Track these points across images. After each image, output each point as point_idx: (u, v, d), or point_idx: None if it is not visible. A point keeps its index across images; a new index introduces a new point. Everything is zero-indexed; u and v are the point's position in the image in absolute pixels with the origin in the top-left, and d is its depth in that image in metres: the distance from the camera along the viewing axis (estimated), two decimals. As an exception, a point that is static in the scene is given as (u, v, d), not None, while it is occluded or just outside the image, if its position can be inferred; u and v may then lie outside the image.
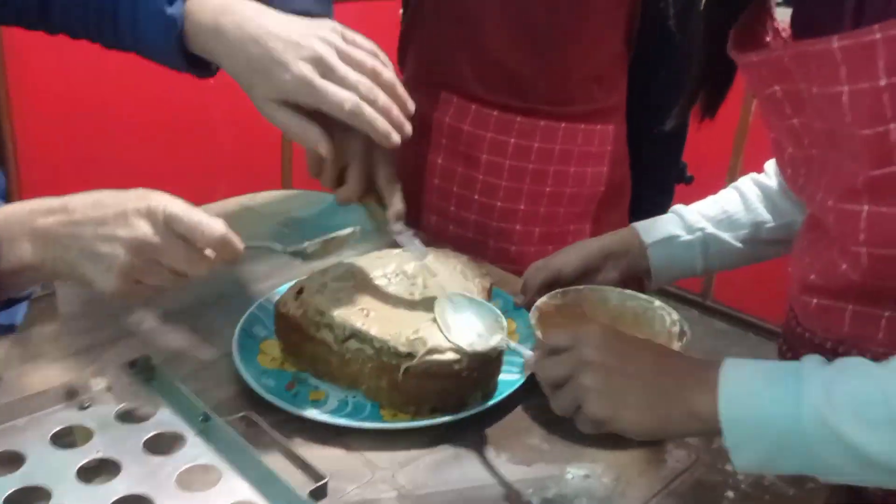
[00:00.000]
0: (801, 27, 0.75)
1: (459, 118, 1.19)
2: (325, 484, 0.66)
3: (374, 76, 0.79)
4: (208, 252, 0.70)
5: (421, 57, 1.23)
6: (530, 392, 0.81)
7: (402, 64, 1.28)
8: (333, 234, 0.82)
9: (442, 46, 1.19)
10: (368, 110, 0.77)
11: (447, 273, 0.88)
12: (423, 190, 1.25)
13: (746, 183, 1.00)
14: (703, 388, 0.63)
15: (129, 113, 2.08)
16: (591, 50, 1.15)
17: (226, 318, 0.91)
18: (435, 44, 1.20)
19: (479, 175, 1.20)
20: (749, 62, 0.75)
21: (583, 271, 0.95)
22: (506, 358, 0.83)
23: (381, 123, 0.78)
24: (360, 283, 0.85)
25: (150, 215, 0.68)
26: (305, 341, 0.81)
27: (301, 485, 0.66)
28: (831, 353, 0.76)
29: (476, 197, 1.21)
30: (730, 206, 0.98)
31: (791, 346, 0.85)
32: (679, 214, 0.99)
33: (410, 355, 0.75)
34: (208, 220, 0.69)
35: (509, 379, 0.82)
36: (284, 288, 0.90)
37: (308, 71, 0.76)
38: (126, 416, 0.71)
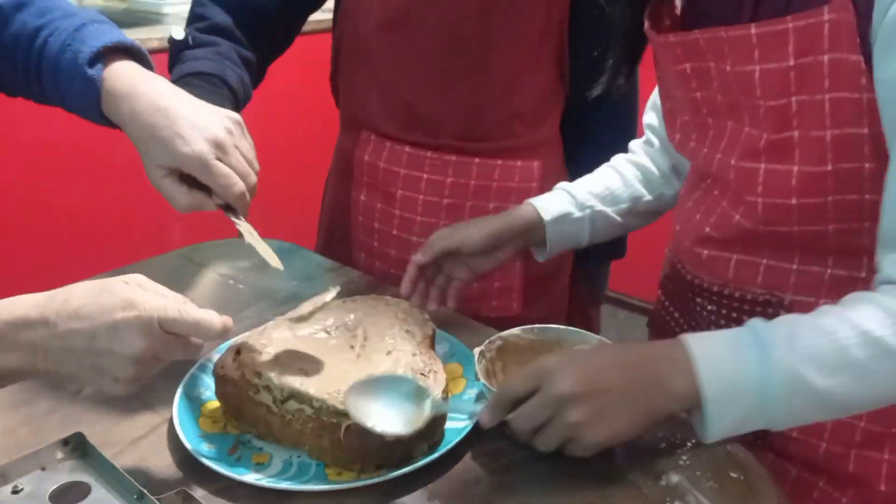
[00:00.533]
0: (692, 18, 0.88)
1: (376, 156, 1.22)
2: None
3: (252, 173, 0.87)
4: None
5: (344, 97, 1.26)
6: (477, 437, 0.80)
7: (336, 103, 1.29)
8: (322, 301, 0.83)
9: (359, 87, 1.22)
10: (248, 198, 0.85)
11: (388, 322, 0.87)
12: (350, 227, 1.27)
13: (621, 162, 1.09)
14: (678, 371, 0.71)
15: (83, 159, 2.05)
16: (506, 89, 1.15)
17: (168, 380, 0.89)
18: (353, 84, 1.23)
19: (395, 211, 1.21)
20: (666, 42, 0.86)
21: (483, 248, 0.99)
22: (451, 404, 0.83)
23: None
24: (298, 341, 0.84)
25: (143, 327, 0.68)
26: (245, 403, 0.80)
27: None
28: (716, 296, 0.90)
29: (394, 232, 1.23)
30: (611, 183, 1.06)
31: (673, 294, 0.99)
32: (569, 192, 1.05)
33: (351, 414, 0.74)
34: (205, 318, 0.71)
35: (455, 427, 0.81)
36: (225, 347, 0.88)
37: (207, 150, 0.82)
38: (60, 498, 0.69)
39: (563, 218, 1.03)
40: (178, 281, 1.15)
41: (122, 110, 0.85)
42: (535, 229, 1.02)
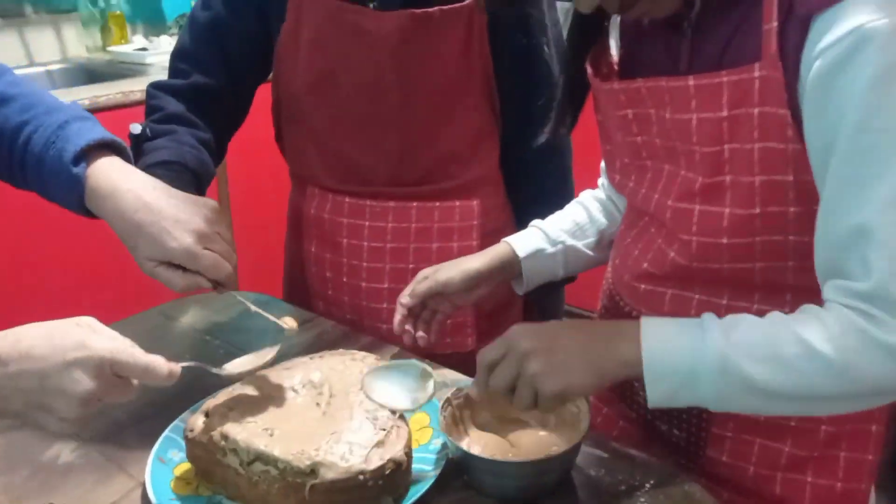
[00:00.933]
0: (628, 68, 0.93)
1: (321, 208, 1.27)
2: None
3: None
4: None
5: (288, 155, 1.32)
6: (442, 489, 0.83)
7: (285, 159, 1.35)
8: (262, 361, 0.87)
9: (298, 145, 1.27)
10: (234, 279, 0.94)
11: (353, 378, 0.90)
12: (306, 278, 1.32)
13: (587, 197, 1.14)
14: (628, 339, 0.78)
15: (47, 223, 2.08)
16: (433, 134, 1.19)
17: (143, 443, 0.91)
18: (293, 143, 1.28)
19: (343, 259, 1.26)
20: (610, 89, 0.90)
21: (465, 287, 1.05)
22: (416, 455, 0.85)
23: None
24: (266, 400, 0.86)
25: (94, 367, 0.71)
26: (214, 465, 0.82)
27: None
28: None
29: (344, 279, 1.27)
30: (579, 219, 1.12)
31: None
32: (541, 229, 1.11)
33: (314, 472, 0.76)
34: (152, 362, 0.75)
35: (420, 479, 0.83)
36: (196, 408, 0.91)
37: (192, 243, 0.89)
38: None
39: (537, 254, 1.08)
40: (157, 339, 1.18)
41: (106, 207, 0.91)
42: (511, 265, 1.08)
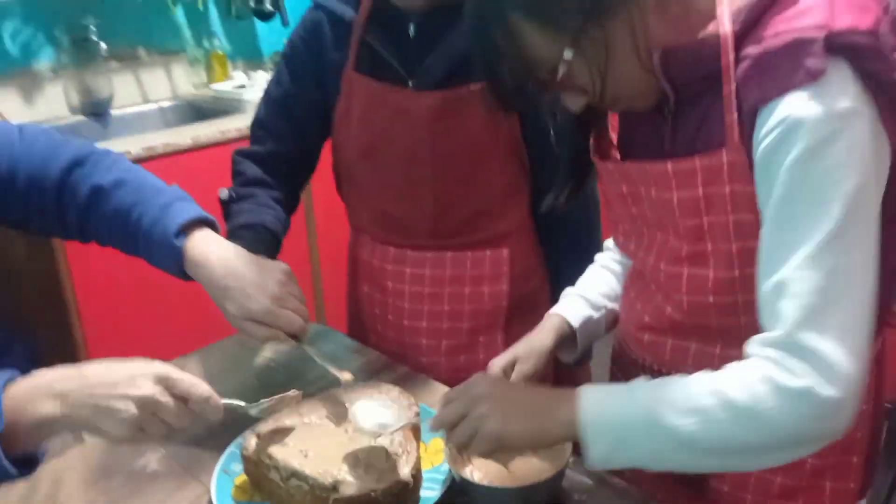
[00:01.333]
0: (625, 148, 1.04)
1: (370, 254, 1.46)
2: None
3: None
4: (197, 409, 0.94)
5: (347, 208, 1.51)
6: (447, 506, 0.99)
7: None
8: (279, 397, 1.04)
9: (352, 201, 1.47)
10: (307, 329, 1.18)
11: (378, 406, 1.07)
12: (361, 312, 1.51)
13: (607, 261, 1.25)
14: (567, 402, 0.88)
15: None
16: (465, 195, 1.35)
17: (213, 455, 1.12)
18: (348, 197, 1.48)
19: (388, 300, 1.44)
20: (606, 168, 1.03)
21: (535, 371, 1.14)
22: (428, 475, 1.02)
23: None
24: (305, 425, 1.05)
25: (153, 376, 0.91)
26: (262, 479, 1.02)
27: None
28: (656, 374, 1.04)
29: (389, 318, 1.45)
30: (610, 281, 1.22)
31: (622, 369, 1.15)
32: (584, 297, 1.21)
33: (336, 489, 0.94)
34: (198, 384, 0.94)
35: (428, 496, 1.00)
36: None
37: (269, 304, 1.13)
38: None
39: (587, 321, 1.19)
40: (234, 363, 1.40)
41: (200, 274, 1.15)
42: (565, 335, 1.19)
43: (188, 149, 2.35)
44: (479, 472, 1.03)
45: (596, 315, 1.20)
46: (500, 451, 0.98)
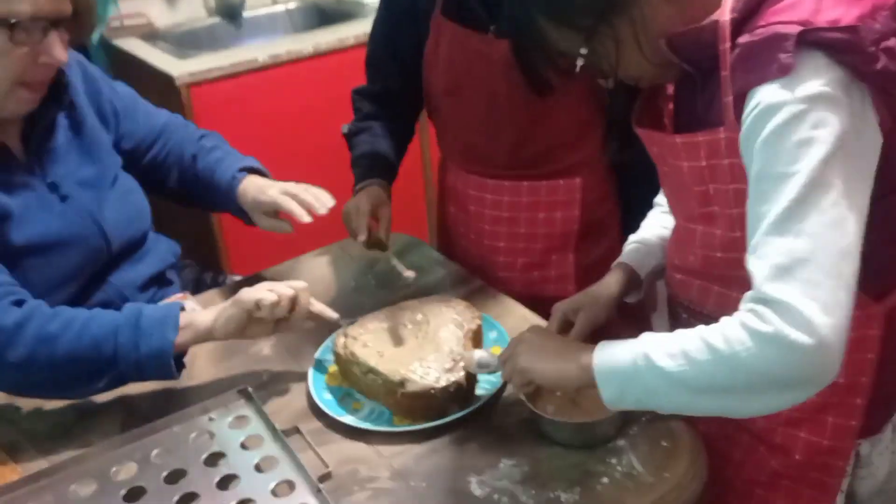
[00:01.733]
0: (679, 120, 1.12)
1: (456, 179, 1.63)
2: (329, 472, 1.09)
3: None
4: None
5: (437, 135, 1.67)
6: (498, 403, 1.19)
7: None
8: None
9: (438, 130, 1.64)
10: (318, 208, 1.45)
11: (445, 319, 1.27)
12: (448, 228, 1.70)
13: (664, 202, 1.32)
14: (587, 351, 1.01)
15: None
16: (541, 131, 1.47)
17: (311, 348, 1.36)
18: (438, 127, 1.64)
19: (471, 220, 1.62)
20: (638, 131, 1.13)
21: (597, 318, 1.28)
22: (482, 377, 1.22)
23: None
24: (385, 329, 1.27)
25: (266, 286, 1.21)
26: (348, 371, 1.25)
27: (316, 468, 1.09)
28: (687, 310, 1.20)
29: (472, 236, 1.63)
30: (667, 223, 1.29)
31: (671, 308, 1.27)
32: (645, 243, 1.33)
33: (402, 384, 1.16)
34: (290, 287, 1.23)
35: (482, 394, 1.21)
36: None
37: (277, 194, 1.46)
38: (232, 424, 1.18)
39: (650, 267, 1.31)
40: (336, 267, 1.63)
41: (246, 202, 1.52)
42: (631, 281, 1.31)
43: (309, 56, 2.54)
44: (552, 405, 1.17)
45: (659, 257, 1.30)
46: (539, 388, 1.14)
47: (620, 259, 1.34)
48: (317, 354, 1.33)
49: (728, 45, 0.95)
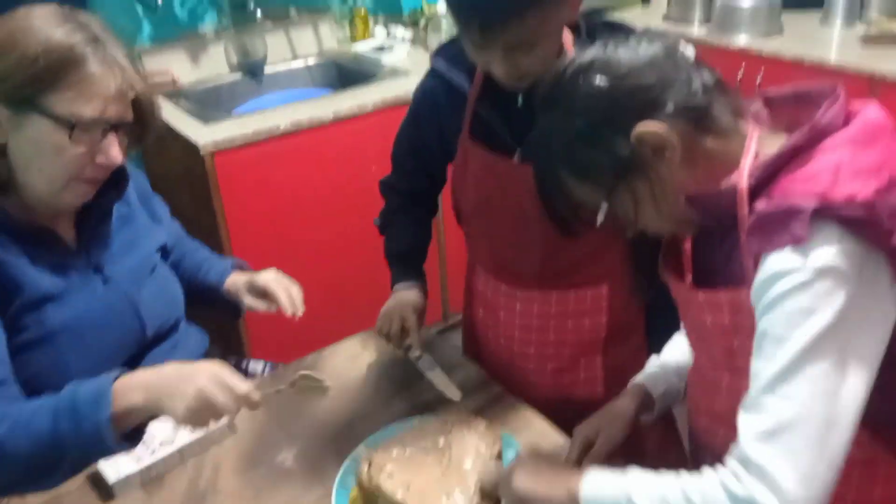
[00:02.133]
0: (698, 275, 1.15)
1: (486, 286, 1.65)
2: None
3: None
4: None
5: (468, 243, 1.69)
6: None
7: None
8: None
9: (473, 240, 1.66)
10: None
11: (468, 447, 1.29)
12: (476, 333, 1.71)
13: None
14: (576, 478, 1.05)
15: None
16: (567, 246, 1.48)
17: (337, 459, 1.37)
18: (471, 237, 1.67)
19: (500, 327, 1.63)
20: (665, 279, 1.16)
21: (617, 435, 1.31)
22: None
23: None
24: (407, 458, 1.28)
25: (210, 375, 1.19)
26: (371, 499, 1.26)
27: None
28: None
29: (501, 341, 1.64)
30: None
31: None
32: (664, 367, 1.35)
33: (430, 520, 1.18)
34: (240, 381, 1.21)
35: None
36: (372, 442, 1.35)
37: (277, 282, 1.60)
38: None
39: (667, 390, 1.34)
40: (355, 361, 1.65)
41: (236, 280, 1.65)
42: (646, 401, 1.33)
43: (330, 122, 2.57)
44: None
45: (675, 382, 1.34)
46: None
47: (638, 379, 1.37)
48: (337, 478, 1.33)
49: (746, 210, 0.97)
